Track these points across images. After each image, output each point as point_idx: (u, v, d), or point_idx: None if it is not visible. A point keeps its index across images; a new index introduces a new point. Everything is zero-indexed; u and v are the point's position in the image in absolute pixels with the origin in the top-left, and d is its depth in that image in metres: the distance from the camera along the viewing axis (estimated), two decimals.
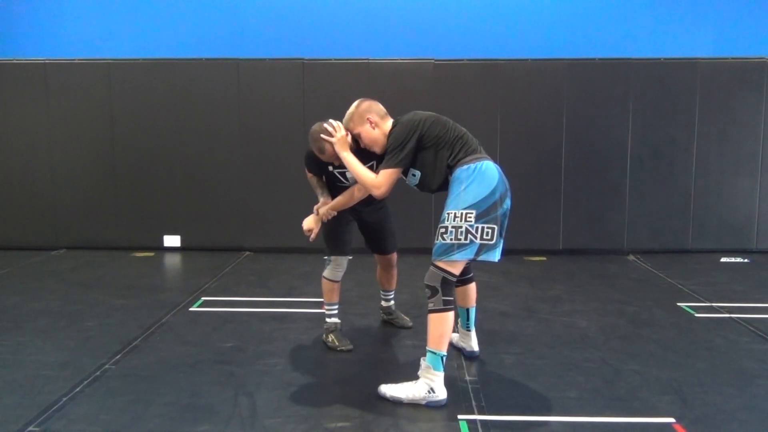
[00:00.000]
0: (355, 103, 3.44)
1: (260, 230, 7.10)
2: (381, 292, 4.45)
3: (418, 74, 6.86)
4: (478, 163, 3.18)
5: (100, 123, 7.05)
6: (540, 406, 3.18)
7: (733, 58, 6.87)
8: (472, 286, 3.75)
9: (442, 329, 3.14)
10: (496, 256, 3.18)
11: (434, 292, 3.15)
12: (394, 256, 4.24)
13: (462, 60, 6.93)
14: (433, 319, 3.17)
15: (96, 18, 7.81)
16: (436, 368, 3.16)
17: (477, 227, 3.09)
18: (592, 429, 2.96)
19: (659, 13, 7.68)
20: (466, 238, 3.09)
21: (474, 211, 3.09)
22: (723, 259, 6.67)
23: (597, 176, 6.93)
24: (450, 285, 3.17)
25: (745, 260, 6.64)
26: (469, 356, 3.80)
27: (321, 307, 4.92)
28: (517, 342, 4.14)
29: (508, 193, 3.25)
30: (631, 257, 6.84)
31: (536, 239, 6.95)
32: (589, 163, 6.92)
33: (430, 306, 3.18)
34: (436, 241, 3.18)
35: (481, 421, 3.02)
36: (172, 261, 6.81)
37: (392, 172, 3.23)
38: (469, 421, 3.01)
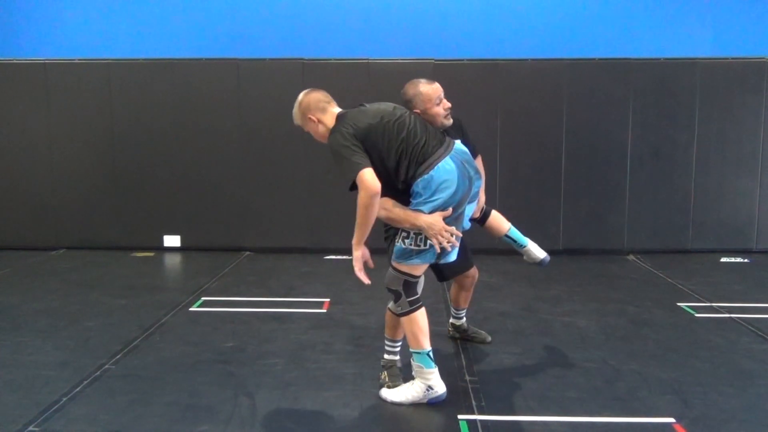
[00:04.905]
0: (297, 100, 3.25)
1: (260, 230, 7.09)
2: (453, 310, 4.13)
3: (418, 74, 6.76)
4: (432, 172, 2.98)
5: (100, 123, 7.04)
6: (540, 406, 3.18)
7: (733, 58, 6.87)
8: (493, 218, 3.68)
9: (415, 329, 3.12)
10: (454, 257, 3.15)
11: (398, 296, 3.12)
12: (476, 268, 3.95)
13: (462, 60, 6.93)
14: (404, 321, 3.15)
15: (96, 18, 7.81)
16: (427, 366, 3.15)
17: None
18: (592, 429, 2.96)
19: (659, 13, 7.68)
20: (425, 245, 3.04)
21: None
22: (723, 259, 6.67)
23: (597, 176, 6.93)
24: (413, 285, 3.14)
25: (745, 260, 6.64)
26: (542, 264, 3.82)
27: (322, 308, 4.94)
28: (517, 342, 4.14)
29: (474, 181, 3.09)
30: (631, 257, 6.84)
31: (536, 239, 6.88)
32: (589, 163, 6.92)
33: (398, 310, 3.14)
34: (396, 243, 3.11)
35: (481, 421, 3.02)
36: (172, 261, 6.81)
37: (360, 175, 2.89)
38: (469, 421, 3.01)
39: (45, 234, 7.16)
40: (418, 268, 3.14)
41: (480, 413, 3.10)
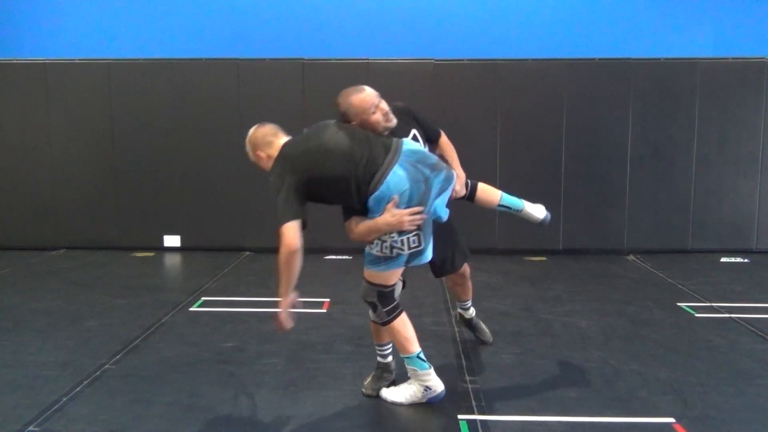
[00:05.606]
0: (247, 137, 3.13)
1: (260, 230, 7.09)
2: (457, 302, 4.03)
3: (418, 74, 6.86)
4: (382, 187, 2.88)
5: (100, 123, 7.04)
6: (540, 406, 3.18)
7: (733, 58, 6.87)
8: (481, 191, 3.47)
9: (399, 336, 3.13)
10: (427, 257, 3.08)
11: (374, 307, 3.11)
12: (467, 265, 3.79)
13: (462, 60, 6.93)
14: (387, 330, 3.16)
15: (96, 18, 7.81)
16: (420, 368, 3.14)
17: (401, 240, 2.94)
18: (592, 429, 2.96)
19: (659, 13, 7.68)
20: (392, 252, 2.98)
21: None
22: (723, 259, 6.67)
23: (597, 176, 6.93)
24: (387, 295, 3.10)
25: (745, 260, 6.64)
26: (544, 223, 3.52)
27: (322, 308, 4.94)
28: (517, 342, 4.14)
29: (431, 180, 2.93)
30: (631, 257, 6.84)
31: (536, 239, 6.95)
32: (589, 163, 6.92)
33: (377, 320, 3.15)
34: (366, 249, 3.06)
35: (481, 421, 3.02)
36: (172, 261, 6.81)
37: (282, 229, 2.83)
38: (469, 421, 3.01)
39: (45, 234, 7.16)
40: (390, 277, 3.07)
41: (480, 413, 3.10)
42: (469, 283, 3.88)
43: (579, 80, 6.86)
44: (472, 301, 4.01)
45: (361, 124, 3.07)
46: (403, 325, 3.13)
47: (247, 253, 7.06)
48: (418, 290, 5.19)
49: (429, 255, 3.09)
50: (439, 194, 2.99)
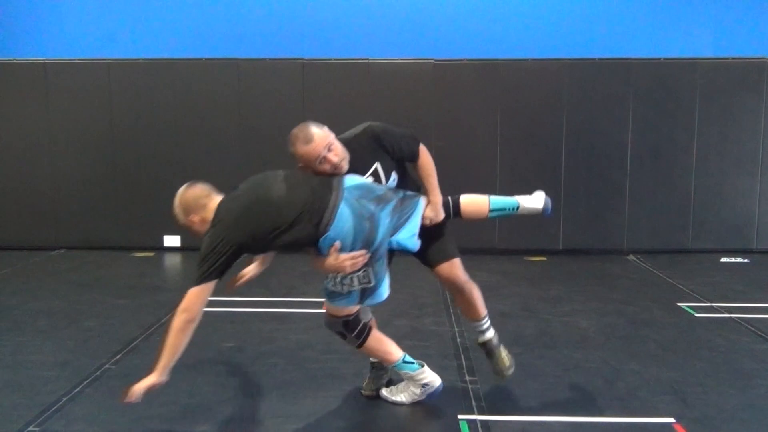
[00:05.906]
0: (176, 198, 3.03)
1: None
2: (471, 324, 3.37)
3: (418, 74, 6.86)
4: (330, 230, 2.76)
5: (100, 123, 7.04)
6: (540, 406, 3.18)
7: (733, 58, 6.87)
8: (465, 205, 3.19)
9: (378, 352, 3.12)
10: (382, 296, 2.94)
11: (342, 336, 3.07)
12: (450, 266, 3.14)
13: (462, 60, 6.93)
14: (365, 350, 3.13)
15: (96, 18, 7.80)
16: (412, 370, 3.14)
17: (350, 277, 2.86)
18: (592, 429, 2.96)
19: (659, 13, 7.68)
20: (343, 288, 2.92)
21: None
22: (723, 259, 6.67)
23: (597, 176, 6.93)
24: (353, 322, 3.03)
25: (745, 260, 6.64)
26: (546, 213, 3.28)
27: (322, 308, 4.93)
28: (517, 342, 4.13)
29: (377, 215, 2.79)
30: (631, 257, 6.84)
31: (536, 239, 6.95)
32: (589, 163, 6.92)
33: (350, 346, 3.13)
34: (324, 282, 2.99)
35: (481, 421, 3.02)
36: (172, 261, 6.81)
37: (190, 291, 2.75)
38: (469, 421, 3.01)
39: (45, 234, 7.16)
40: (351, 309, 3.02)
41: (480, 413, 3.10)
42: (469, 297, 3.16)
43: (579, 80, 6.86)
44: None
45: (311, 169, 2.98)
46: (378, 340, 3.10)
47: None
48: (418, 290, 5.19)
49: (384, 293, 2.96)
50: (396, 228, 2.84)
